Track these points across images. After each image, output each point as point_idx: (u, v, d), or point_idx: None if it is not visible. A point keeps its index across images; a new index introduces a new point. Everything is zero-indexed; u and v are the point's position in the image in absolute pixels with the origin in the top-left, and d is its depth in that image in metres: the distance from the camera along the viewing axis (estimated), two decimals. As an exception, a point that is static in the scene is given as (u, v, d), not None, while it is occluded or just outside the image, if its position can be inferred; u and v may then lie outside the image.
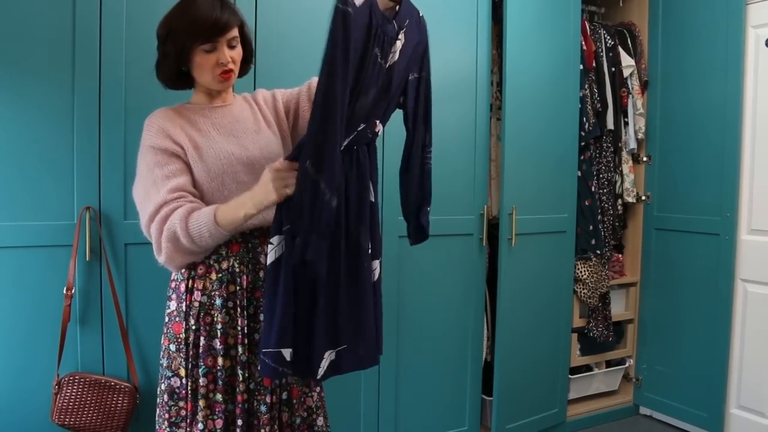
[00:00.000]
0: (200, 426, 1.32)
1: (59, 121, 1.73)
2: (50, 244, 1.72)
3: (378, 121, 1.33)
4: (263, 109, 1.47)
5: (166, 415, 1.36)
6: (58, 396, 1.67)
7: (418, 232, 1.49)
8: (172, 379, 1.36)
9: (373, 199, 1.35)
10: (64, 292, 1.70)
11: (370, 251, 1.34)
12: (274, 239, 1.21)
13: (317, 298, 1.26)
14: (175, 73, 1.37)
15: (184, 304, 1.36)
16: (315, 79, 1.35)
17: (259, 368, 1.29)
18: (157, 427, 1.38)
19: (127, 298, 1.82)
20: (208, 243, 1.28)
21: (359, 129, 1.27)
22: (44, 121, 1.71)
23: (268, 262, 1.22)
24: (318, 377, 1.28)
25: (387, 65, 1.27)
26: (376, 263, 1.38)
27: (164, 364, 1.38)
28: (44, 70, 1.71)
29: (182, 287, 1.36)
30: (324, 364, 1.29)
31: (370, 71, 1.22)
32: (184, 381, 1.35)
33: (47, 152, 1.72)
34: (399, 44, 1.28)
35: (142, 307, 1.83)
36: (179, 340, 1.35)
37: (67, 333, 1.70)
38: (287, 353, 1.23)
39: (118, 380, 1.73)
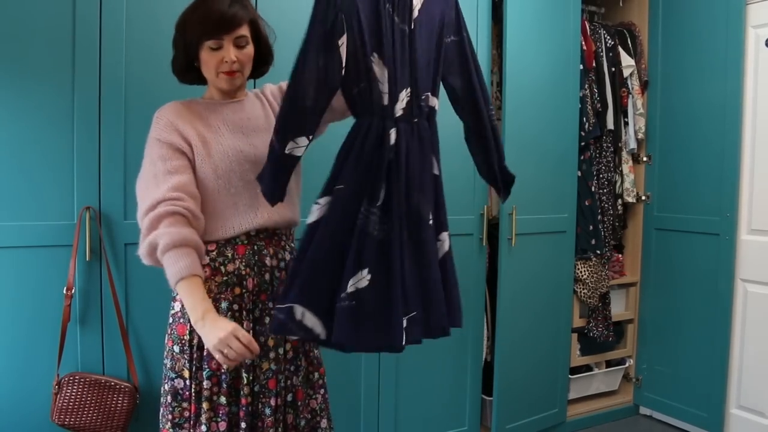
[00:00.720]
0: (203, 428, 1.32)
1: (59, 121, 1.73)
2: (50, 244, 1.72)
3: (429, 94, 1.35)
4: (272, 104, 1.47)
5: (170, 416, 1.35)
6: (58, 396, 1.67)
7: (506, 184, 1.53)
8: (175, 380, 1.35)
9: (436, 172, 1.37)
10: (64, 292, 1.70)
11: (432, 222, 1.36)
12: (321, 200, 1.25)
13: (391, 264, 1.28)
14: (185, 66, 1.38)
15: (188, 305, 1.35)
16: None
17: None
18: (160, 426, 1.38)
19: (127, 298, 1.82)
20: (164, 270, 1.29)
21: (407, 96, 1.28)
22: (44, 121, 1.71)
23: (308, 221, 1.26)
24: (403, 342, 1.29)
25: (411, 27, 1.29)
26: (445, 235, 1.40)
27: (168, 365, 1.37)
28: (44, 70, 1.70)
29: (186, 288, 1.36)
30: (403, 332, 1.30)
31: (388, 28, 1.25)
32: (187, 383, 1.34)
33: (47, 152, 1.72)
34: (416, 3, 1.30)
35: (142, 307, 1.83)
36: (183, 341, 1.35)
37: (67, 333, 1.70)
38: (299, 311, 1.23)
39: (118, 380, 1.73)
